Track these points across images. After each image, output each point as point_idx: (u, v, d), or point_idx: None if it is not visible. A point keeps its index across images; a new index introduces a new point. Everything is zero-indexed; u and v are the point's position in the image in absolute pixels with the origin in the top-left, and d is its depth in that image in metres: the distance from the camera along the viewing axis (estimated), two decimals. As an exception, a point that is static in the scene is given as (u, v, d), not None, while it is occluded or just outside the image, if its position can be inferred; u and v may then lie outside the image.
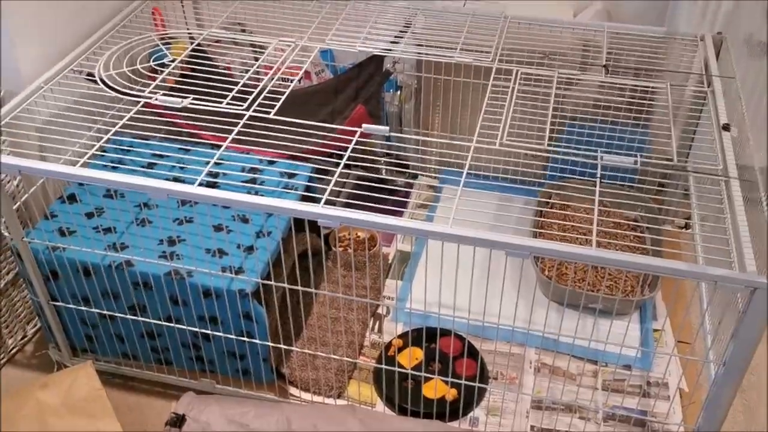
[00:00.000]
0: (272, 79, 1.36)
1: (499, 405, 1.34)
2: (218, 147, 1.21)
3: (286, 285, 1.25)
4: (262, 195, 1.21)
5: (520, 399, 1.34)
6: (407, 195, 1.86)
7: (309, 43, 1.47)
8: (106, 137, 1.23)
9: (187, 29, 1.74)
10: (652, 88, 1.37)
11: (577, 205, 1.76)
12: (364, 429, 1.16)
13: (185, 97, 1.28)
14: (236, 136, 1.21)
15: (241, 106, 1.26)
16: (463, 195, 1.07)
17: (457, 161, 1.81)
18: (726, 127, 1.19)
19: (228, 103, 1.26)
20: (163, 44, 1.55)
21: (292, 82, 1.36)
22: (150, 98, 1.28)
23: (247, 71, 1.94)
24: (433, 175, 1.90)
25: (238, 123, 1.24)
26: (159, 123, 1.58)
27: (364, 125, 1.19)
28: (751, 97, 1.34)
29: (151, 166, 1.41)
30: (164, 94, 1.29)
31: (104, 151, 1.45)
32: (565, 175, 1.80)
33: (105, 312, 1.31)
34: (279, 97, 1.32)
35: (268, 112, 1.27)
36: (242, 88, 1.30)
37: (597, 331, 1.47)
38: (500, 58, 1.40)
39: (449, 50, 1.41)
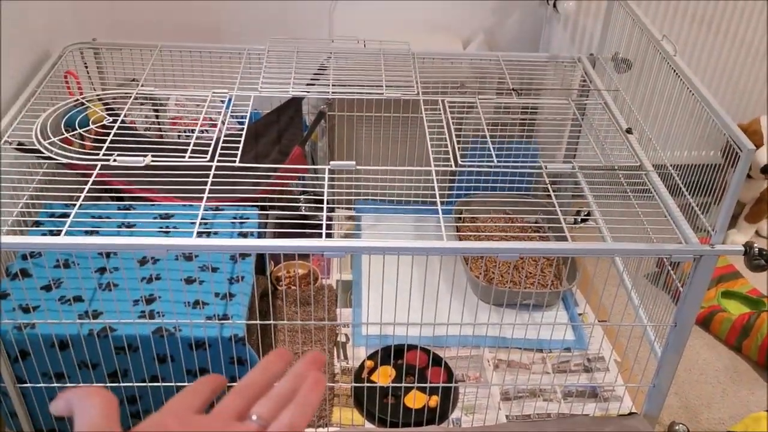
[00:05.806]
0: (221, 130, 1.40)
1: (473, 403, 1.46)
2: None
3: (272, 321, 1.29)
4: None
5: (489, 394, 1.48)
6: (330, 228, 1.94)
7: (241, 92, 1.52)
8: (25, 204, 1.20)
9: (93, 89, 1.71)
10: (557, 105, 1.59)
11: (485, 216, 1.95)
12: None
13: (142, 156, 1.28)
14: (180, 189, 1.23)
15: (204, 158, 1.29)
16: (381, 220, 1.20)
17: (374, 191, 1.93)
18: (629, 131, 1.42)
19: (190, 156, 1.29)
20: (82, 107, 1.53)
21: (210, 132, 1.39)
22: (107, 161, 1.27)
23: (149, 127, 1.93)
24: (350, 206, 2.00)
25: (188, 177, 1.26)
26: (80, 185, 1.55)
27: (331, 162, 1.27)
28: (622, 106, 1.60)
29: (92, 232, 1.38)
30: (119, 155, 1.29)
31: (38, 224, 1.39)
32: (469, 192, 1.98)
33: (81, 385, 1.26)
34: (231, 145, 1.36)
35: (229, 161, 1.31)
36: (176, 141, 1.33)
37: (534, 323, 1.65)
38: (423, 91, 1.55)
39: (375, 87, 1.53)
